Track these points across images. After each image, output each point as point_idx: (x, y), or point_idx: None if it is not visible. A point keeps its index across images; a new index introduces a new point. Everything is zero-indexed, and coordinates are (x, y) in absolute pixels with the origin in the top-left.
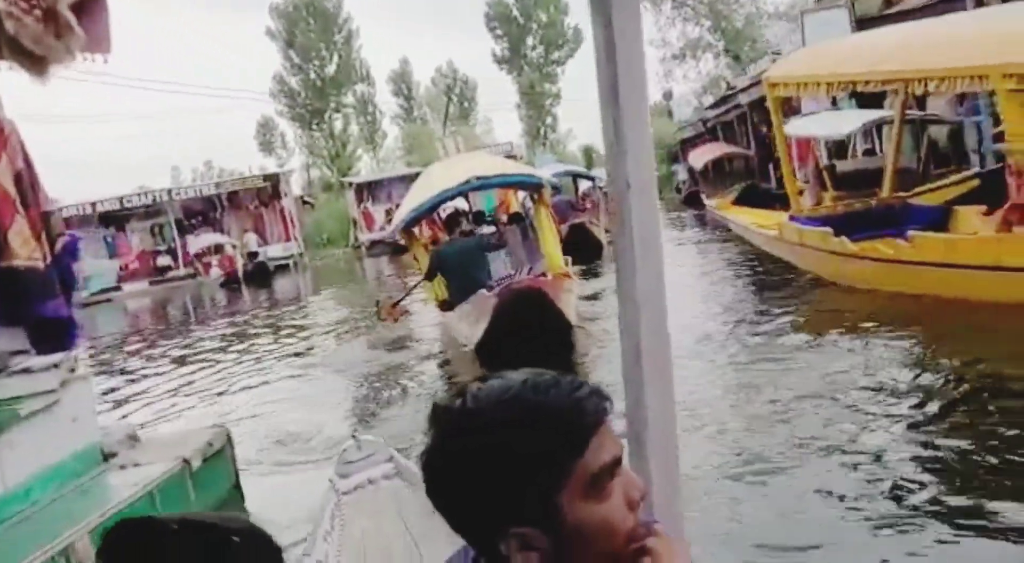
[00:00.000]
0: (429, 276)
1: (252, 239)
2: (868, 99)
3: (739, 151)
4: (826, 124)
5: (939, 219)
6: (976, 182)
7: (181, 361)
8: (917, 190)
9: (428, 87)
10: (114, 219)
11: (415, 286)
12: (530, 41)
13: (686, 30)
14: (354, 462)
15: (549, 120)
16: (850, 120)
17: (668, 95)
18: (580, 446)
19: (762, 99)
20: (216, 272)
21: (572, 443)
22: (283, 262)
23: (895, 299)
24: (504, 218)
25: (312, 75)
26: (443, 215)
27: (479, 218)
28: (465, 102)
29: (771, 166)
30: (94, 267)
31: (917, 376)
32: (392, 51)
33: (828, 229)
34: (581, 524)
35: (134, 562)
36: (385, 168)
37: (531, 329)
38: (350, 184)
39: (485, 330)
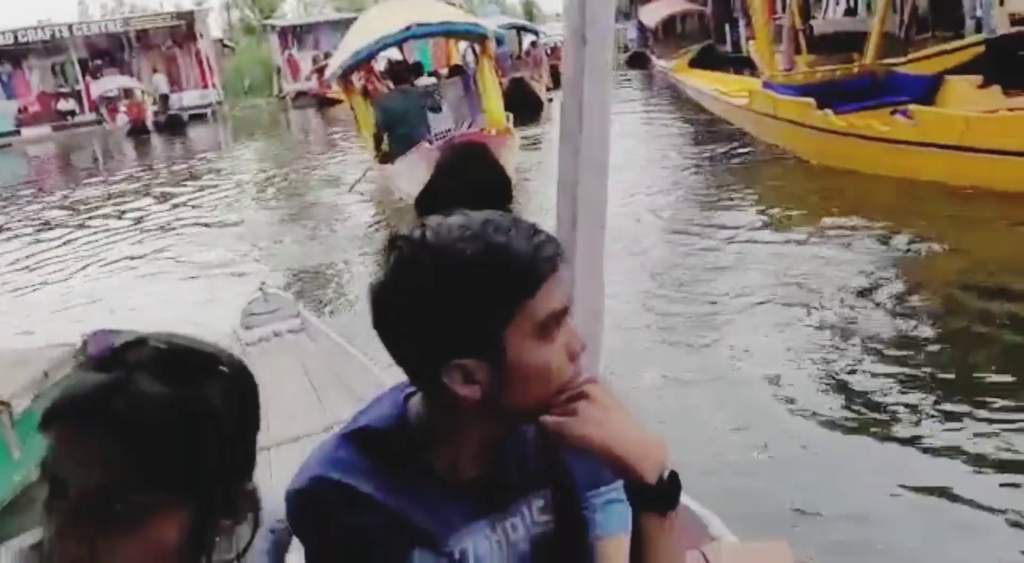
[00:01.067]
0: (379, 135)
1: (162, 81)
2: None
3: (695, 8)
4: None
5: (929, 90)
6: (981, 49)
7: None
8: (913, 56)
9: None
10: (9, 55)
11: (376, 148)
12: None
13: None
14: (259, 315)
15: None
16: None
17: None
18: (533, 287)
19: None
20: (123, 119)
21: (527, 283)
22: (200, 111)
23: (885, 183)
24: (444, 70)
25: None
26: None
27: (418, 69)
28: None
29: (728, 26)
30: None
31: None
32: None
33: (810, 100)
34: (524, 362)
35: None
36: (312, 12)
37: (472, 183)
38: (273, 28)
39: (426, 183)
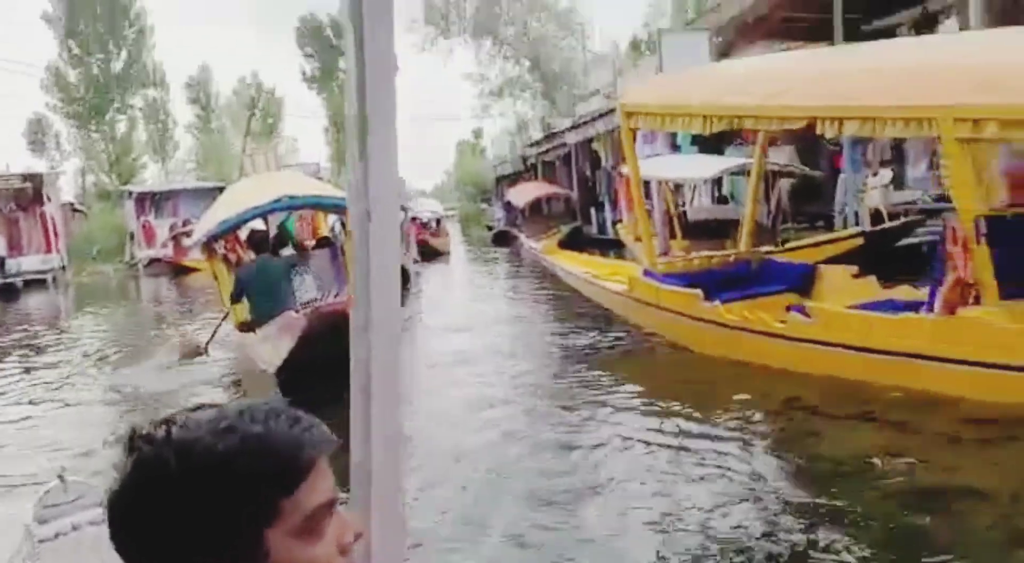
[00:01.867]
0: (234, 299)
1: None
2: (707, 144)
3: (561, 191)
4: (683, 167)
5: (805, 279)
6: (860, 241)
7: None
8: (793, 244)
9: (229, 98)
10: None
11: (224, 318)
12: (342, 63)
13: (505, 68)
14: (58, 506)
15: None
16: (710, 165)
17: (478, 133)
18: (293, 483)
19: (589, 141)
20: None
21: (286, 479)
22: (39, 277)
23: (777, 376)
24: (312, 241)
25: (95, 70)
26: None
27: (283, 239)
28: (270, 118)
29: (593, 209)
30: None
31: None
32: (192, 56)
33: (697, 291)
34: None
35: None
36: (175, 180)
37: (336, 354)
38: (130, 193)
39: (289, 353)
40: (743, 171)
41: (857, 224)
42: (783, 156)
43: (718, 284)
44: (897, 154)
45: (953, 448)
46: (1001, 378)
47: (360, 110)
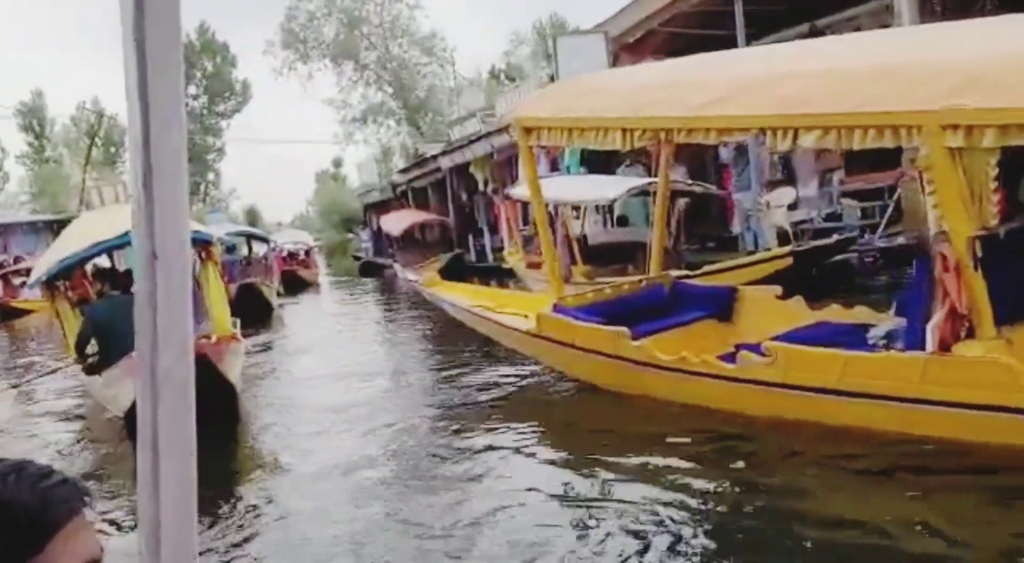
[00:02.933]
0: (81, 342)
1: None
2: (597, 164)
3: (437, 218)
4: (583, 189)
5: (727, 302)
6: (789, 261)
7: None
8: (712, 268)
9: (66, 125)
10: None
11: (81, 359)
12: (192, 89)
13: (368, 94)
14: None
15: (211, 176)
16: (612, 185)
17: (338, 162)
18: (39, 543)
19: (465, 165)
20: None
21: (31, 539)
22: None
23: (721, 417)
24: None
25: None
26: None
27: (131, 276)
28: (112, 147)
29: (471, 236)
30: None
31: None
32: (22, 82)
33: (622, 329)
34: None
35: None
36: (6, 215)
37: None
38: None
39: (135, 398)
40: (647, 191)
41: (757, 245)
42: (676, 175)
43: (635, 314)
44: (786, 172)
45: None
46: (1013, 422)
47: (143, 136)
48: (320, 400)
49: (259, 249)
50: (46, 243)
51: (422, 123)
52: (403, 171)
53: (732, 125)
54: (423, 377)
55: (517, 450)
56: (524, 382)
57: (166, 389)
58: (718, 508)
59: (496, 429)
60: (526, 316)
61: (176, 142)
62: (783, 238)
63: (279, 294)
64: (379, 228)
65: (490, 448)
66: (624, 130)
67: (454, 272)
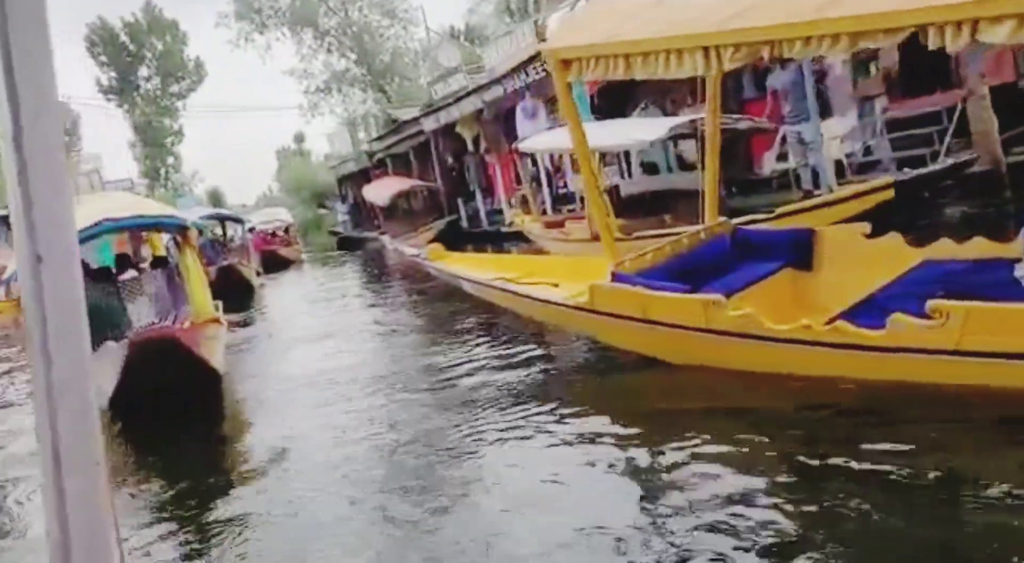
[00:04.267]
0: None
1: None
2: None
3: (425, 184)
4: (616, 134)
5: (801, 247)
6: (890, 194)
7: None
8: (786, 209)
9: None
10: None
11: None
12: (144, 71)
13: (330, 61)
14: None
15: (171, 160)
16: (648, 127)
17: (300, 137)
18: None
19: (451, 126)
20: None
21: None
22: None
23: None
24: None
25: None
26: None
27: (123, 262)
28: (66, 135)
29: (460, 201)
30: None
31: None
32: None
33: (717, 297)
34: None
35: None
36: None
37: (166, 380)
38: None
39: (116, 385)
40: (694, 131)
41: (817, 183)
42: (698, 112)
43: (699, 272)
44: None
45: None
46: None
47: (14, 131)
48: (316, 380)
49: (233, 230)
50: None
51: (388, 88)
52: (379, 138)
53: (882, 25)
54: (435, 358)
55: (587, 440)
56: (571, 361)
57: (64, 400)
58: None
59: (550, 417)
60: (555, 285)
61: (51, 135)
62: (838, 174)
63: (258, 274)
64: (356, 200)
65: (555, 443)
66: (707, 50)
67: (450, 240)
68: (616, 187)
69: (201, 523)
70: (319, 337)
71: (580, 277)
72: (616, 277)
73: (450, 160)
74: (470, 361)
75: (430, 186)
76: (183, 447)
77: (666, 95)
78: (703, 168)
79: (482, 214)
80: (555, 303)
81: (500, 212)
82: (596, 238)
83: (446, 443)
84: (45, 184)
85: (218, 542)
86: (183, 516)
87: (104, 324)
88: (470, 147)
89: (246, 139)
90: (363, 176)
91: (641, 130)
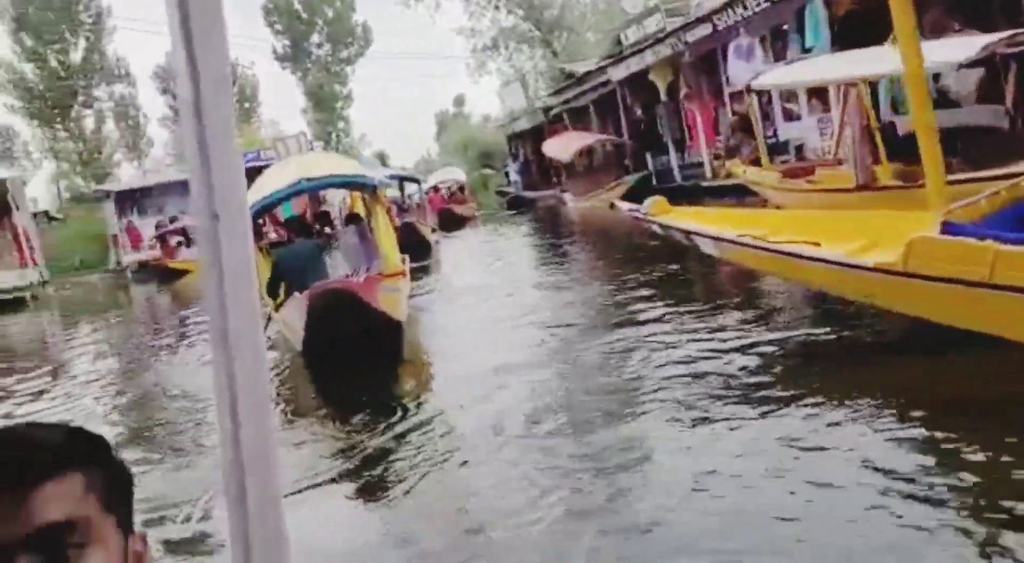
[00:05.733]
0: (271, 284)
1: None
2: (854, 39)
3: (611, 138)
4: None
5: None
6: None
7: None
8: None
9: None
10: None
11: (272, 300)
12: (315, 38)
13: (498, 18)
14: None
15: (341, 124)
16: (953, 47)
17: (460, 100)
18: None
19: (642, 74)
20: None
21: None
22: (18, 294)
23: None
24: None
25: (53, 63)
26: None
27: (323, 220)
28: (247, 102)
29: (649, 155)
30: None
31: None
32: (156, 44)
33: None
34: None
35: None
36: (160, 176)
37: (343, 328)
38: (108, 194)
39: (304, 332)
40: (992, 56)
41: None
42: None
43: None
44: None
45: None
46: None
47: (192, 95)
48: (498, 340)
49: (411, 190)
50: None
51: (556, 43)
52: (556, 92)
53: None
54: (662, 330)
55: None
56: (883, 342)
57: (238, 350)
58: None
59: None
60: (816, 243)
61: (225, 104)
62: None
63: (433, 231)
64: (527, 158)
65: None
66: None
67: (641, 197)
68: (891, 124)
69: (374, 457)
70: (502, 292)
71: (843, 235)
72: (949, 228)
73: (638, 111)
74: (721, 330)
75: (615, 140)
76: (363, 387)
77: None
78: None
79: (675, 168)
80: (847, 265)
81: (698, 165)
82: (863, 187)
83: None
84: (220, 148)
85: (395, 481)
86: (358, 447)
87: (307, 275)
88: (663, 96)
89: (407, 103)
90: (536, 133)
91: (933, 52)
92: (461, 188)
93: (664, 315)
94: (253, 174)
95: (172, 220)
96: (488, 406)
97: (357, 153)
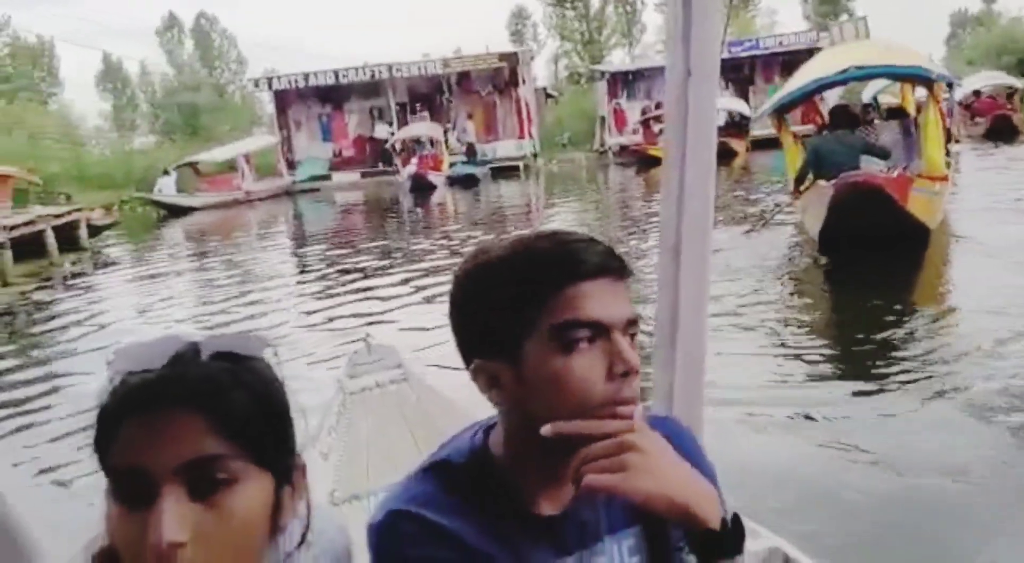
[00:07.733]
0: (801, 172)
1: (469, 128)
2: None
3: None
4: None
5: None
6: None
7: None
8: None
9: None
10: (331, 97)
11: (797, 188)
12: None
13: None
14: (363, 365)
15: (844, 16)
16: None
17: None
18: (548, 292)
19: None
20: (408, 171)
21: (544, 288)
22: (512, 163)
23: None
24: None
25: None
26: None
27: (867, 112)
28: None
29: None
30: (308, 150)
31: None
32: None
33: None
34: (541, 372)
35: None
36: (648, 61)
37: (873, 225)
38: (602, 74)
39: (823, 222)
40: None
41: None
42: None
43: None
44: None
45: None
46: None
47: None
48: None
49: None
50: None
51: None
52: None
53: None
54: None
55: None
56: None
57: (690, 203)
58: None
59: None
60: None
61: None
62: None
63: (956, 141)
64: None
65: None
66: None
67: None
68: None
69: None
70: None
71: None
72: None
73: None
74: None
75: None
76: (878, 287)
77: None
78: None
79: None
80: None
81: None
82: None
83: None
84: (702, 7)
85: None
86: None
87: (838, 167)
88: None
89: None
90: None
91: None
92: (1010, 95)
93: None
94: (740, 64)
95: (658, 106)
96: None
97: None
